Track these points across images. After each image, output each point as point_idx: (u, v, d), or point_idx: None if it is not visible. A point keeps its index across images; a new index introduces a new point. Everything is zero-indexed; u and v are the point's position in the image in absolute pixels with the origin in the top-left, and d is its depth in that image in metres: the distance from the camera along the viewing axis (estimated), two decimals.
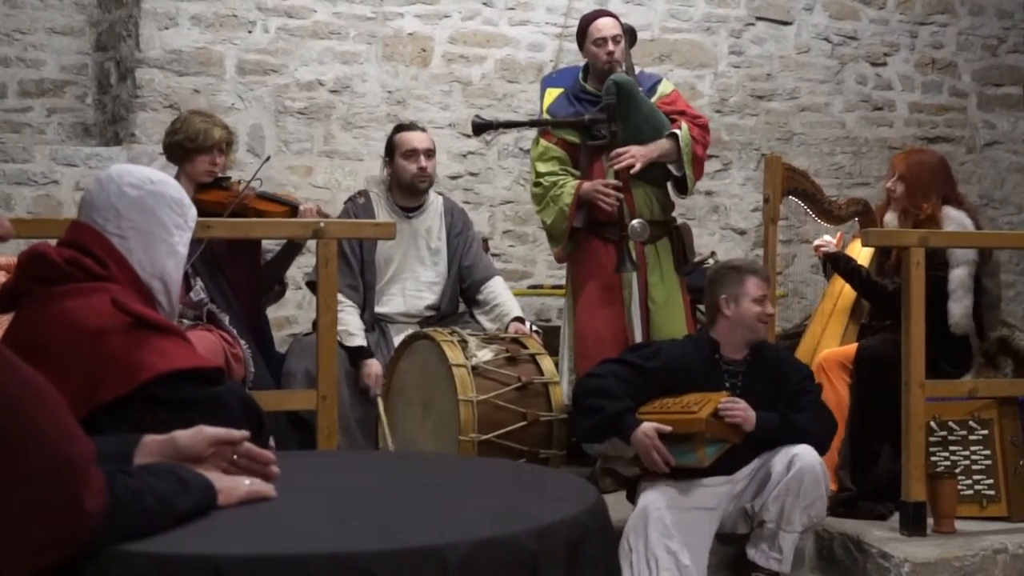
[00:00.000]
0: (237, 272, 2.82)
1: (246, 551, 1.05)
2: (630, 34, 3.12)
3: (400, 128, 3.13)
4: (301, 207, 2.86)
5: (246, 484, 1.21)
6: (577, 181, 2.97)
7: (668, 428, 2.34)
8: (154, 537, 1.07)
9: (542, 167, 3.02)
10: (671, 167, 3.01)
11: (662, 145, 2.96)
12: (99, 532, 1.02)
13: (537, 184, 3.04)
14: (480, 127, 3.05)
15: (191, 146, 2.80)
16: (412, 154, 3.01)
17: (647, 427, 2.34)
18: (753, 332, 2.51)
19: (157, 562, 1.02)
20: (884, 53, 4.53)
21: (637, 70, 3.11)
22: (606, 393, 2.41)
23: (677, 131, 2.97)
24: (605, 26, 2.99)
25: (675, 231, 3.08)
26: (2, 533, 0.96)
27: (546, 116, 3.07)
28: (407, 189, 3.05)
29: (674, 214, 3.17)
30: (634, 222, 2.88)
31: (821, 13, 4.43)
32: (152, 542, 1.06)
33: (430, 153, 3.04)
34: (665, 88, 3.10)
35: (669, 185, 3.08)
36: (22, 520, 0.97)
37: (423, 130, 3.13)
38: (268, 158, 3.12)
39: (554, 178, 2.99)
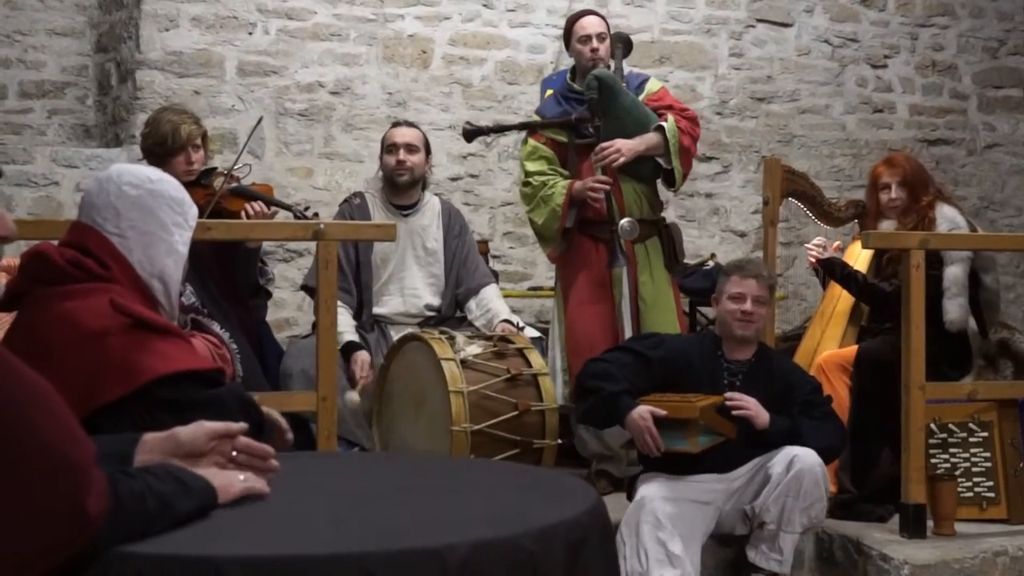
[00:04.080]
0: (223, 274, 2.79)
1: (246, 552, 1.05)
2: (626, 43, 3.14)
3: (392, 125, 3.18)
4: (250, 211, 2.73)
5: (240, 479, 1.21)
6: (568, 181, 2.98)
7: (663, 412, 2.37)
8: (154, 538, 1.07)
9: (531, 166, 3.04)
10: (660, 160, 3.01)
11: (649, 139, 2.96)
12: (101, 534, 1.02)
13: (526, 184, 3.05)
14: (471, 133, 3.10)
15: (162, 151, 2.76)
16: (392, 148, 3.06)
17: (642, 409, 2.38)
18: (729, 329, 2.52)
19: (158, 563, 1.03)
20: (884, 55, 4.52)
21: (626, 70, 3.12)
22: (607, 376, 2.45)
23: (663, 123, 2.97)
24: (589, 24, 3.03)
25: (664, 230, 3.07)
26: (6, 537, 0.96)
27: (535, 117, 3.11)
28: (391, 184, 3.09)
29: (674, 217, 3.19)
30: (623, 221, 2.90)
31: (821, 15, 4.43)
32: (153, 543, 1.06)
33: (411, 148, 3.06)
34: (652, 86, 3.11)
35: (658, 182, 3.09)
36: (26, 523, 0.97)
37: (414, 126, 3.15)
38: (243, 150, 3.03)
39: (543, 178, 3.00)
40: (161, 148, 2.76)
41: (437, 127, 3.92)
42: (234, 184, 2.81)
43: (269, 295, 3.05)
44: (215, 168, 2.86)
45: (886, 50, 4.52)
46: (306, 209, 2.86)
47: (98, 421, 1.30)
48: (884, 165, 3.11)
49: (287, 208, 2.86)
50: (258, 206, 2.76)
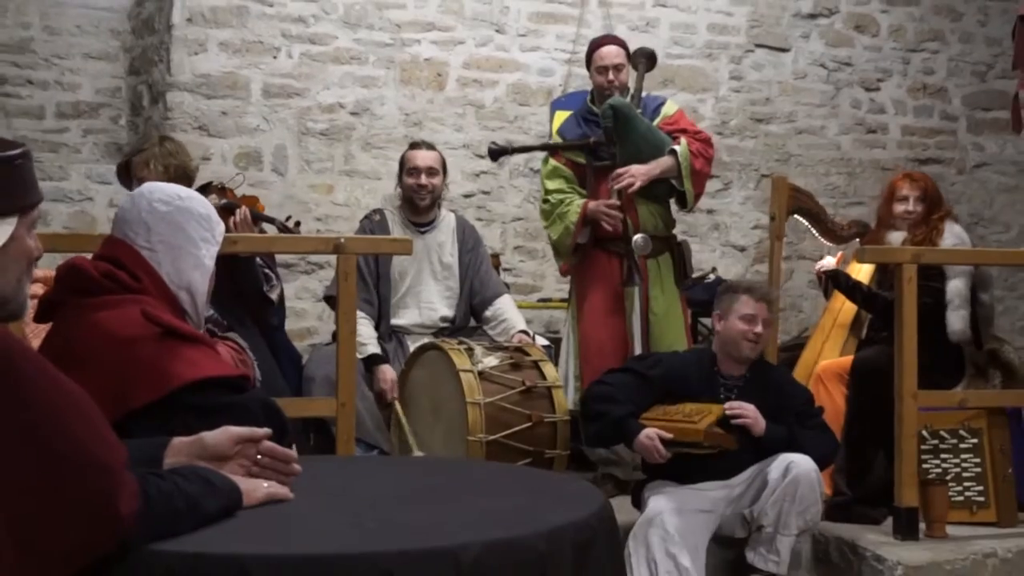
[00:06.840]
0: (231, 286, 2.75)
1: (270, 551, 1.08)
2: (649, 58, 3.20)
3: (411, 146, 3.24)
4: (235, 218, 2.74)
5: (264, 486, 1.25)
6: (583, 200, 3.06)
7: (669, 436, 2.44)
8: (183, 537, 1.10)
9: (550, 184, 3.12)
10: (674, 182, 3.08)
11: (663, 162, 3.04)
12: (132, 533, 1.06)
13: (545, 201, 3.14)
14: (496, 152, 3.20)
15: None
16: (414, 171, 3.13)
17: (649, 431, 2.45)
18: (737, 349, 2.54)
19: (186, 561, 1.06)
20: (877, 79, 4.58)
21: (645, 93, 3.18)
22: (611, 399, 2.51)
23: (676, 147, 3.05)
24: (608, 54, 3.09)
25: (676, 247, 3.16)
26: (41, 537, 0.99)
27: (556, 138, 3.18)
28: (410, 203, 3.16)
29: (676, 232, 3.26)
30: (637, 237, 2.99)
31: (817, 40, 4.49)
32: (181, 541, 1.09)
33: (432, 171, 3.13)
34: (669, 109, 3.17)
35: (672, 201, 3.16)
36: (61, 524, 1.00)
37: (432, 148, 3.21)
38: (239, 174, 3.10)
39: (561, 196, 3.09)
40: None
41: (452, 146, 3.99)
42: (224, 201, 2.81)
43: (272, 303, 2.96)
44: (210, 183, 2.90)
45: (879, 74, 4.58)
46: (287, 219, 2.88)
47: (129, 425, 1.32)
48: (905, 179, 3.16)
49: (270, 221, 2.88)
50: (250, 216, 2.75)
